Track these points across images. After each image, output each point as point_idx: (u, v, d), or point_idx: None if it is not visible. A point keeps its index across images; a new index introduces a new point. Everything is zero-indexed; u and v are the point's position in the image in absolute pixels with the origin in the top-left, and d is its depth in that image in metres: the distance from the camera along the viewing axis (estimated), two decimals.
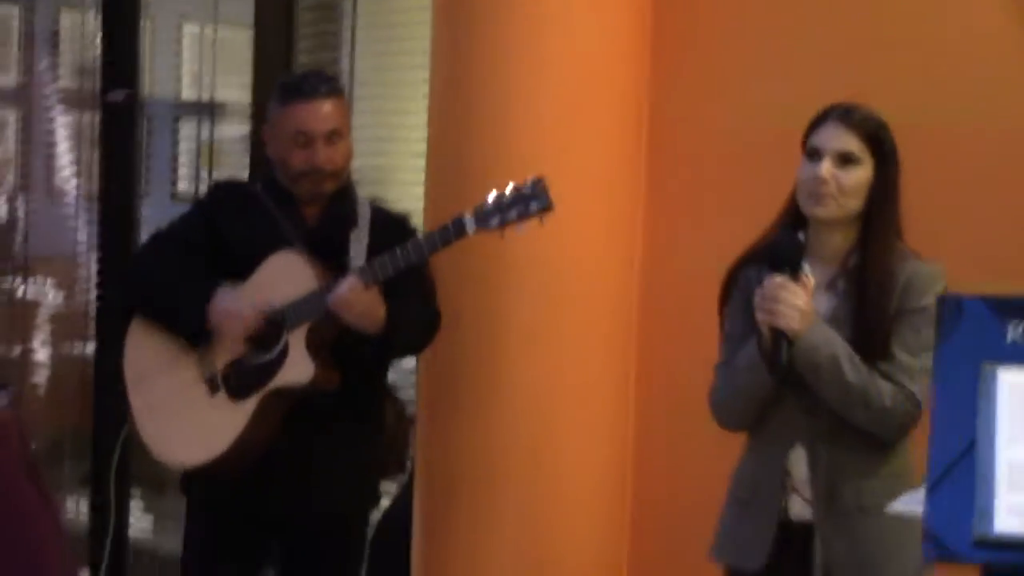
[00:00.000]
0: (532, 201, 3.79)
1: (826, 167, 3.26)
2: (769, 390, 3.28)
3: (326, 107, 4.04)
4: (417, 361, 4.64)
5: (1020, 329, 2.48)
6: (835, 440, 3.30)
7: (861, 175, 3.28)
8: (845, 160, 3.27)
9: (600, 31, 4.44)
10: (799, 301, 3.20)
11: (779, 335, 3.20)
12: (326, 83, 4.14)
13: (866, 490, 3.30)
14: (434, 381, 4.54)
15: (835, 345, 3.23)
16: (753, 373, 3.28)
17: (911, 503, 2.76)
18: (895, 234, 3.34)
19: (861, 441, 3.30)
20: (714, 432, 3.56)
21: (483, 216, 3.81)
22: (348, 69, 5.50)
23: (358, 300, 3.84)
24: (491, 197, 3.82)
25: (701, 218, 4.51)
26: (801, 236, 3.31)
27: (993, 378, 2.46)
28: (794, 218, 3.36)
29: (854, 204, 3.30)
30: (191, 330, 4.01)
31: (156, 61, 6.67)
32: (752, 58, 4.43)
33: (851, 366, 3.23)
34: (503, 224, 3.82)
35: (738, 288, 3.42)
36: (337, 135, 4.05)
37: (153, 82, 6.60)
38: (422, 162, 4.69)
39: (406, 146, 5.21)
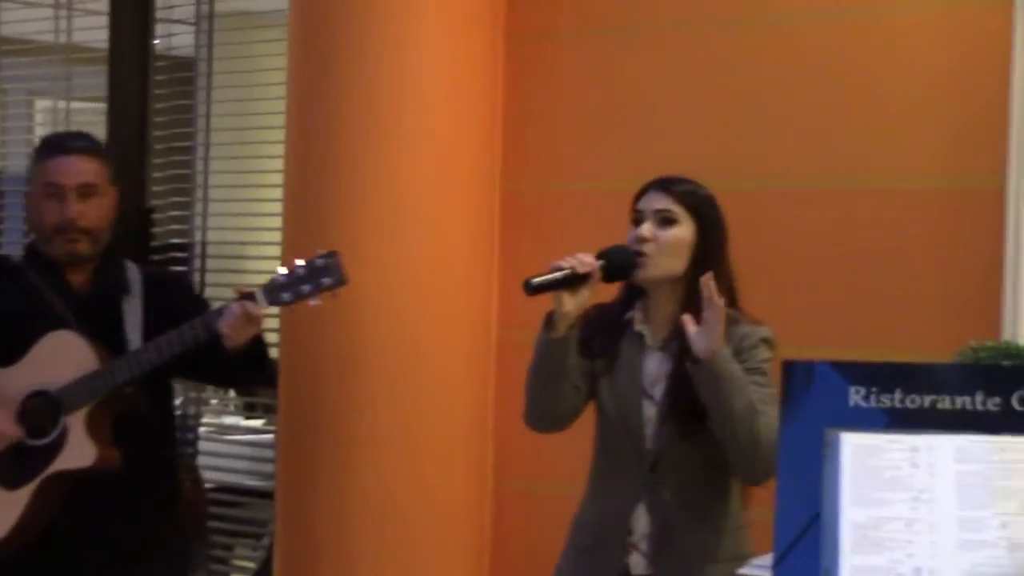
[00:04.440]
0: (324, 276, 3.67)
1: (647, 227, 3.41)
2: (557, 363, 3.38)
3: (81, 162, 3.92)
4: (277, 426, 4.63)
5: (862, 393, 2.53)
6: (677, 497, 3.38)
7: (680, 233, 3.42)
8: (664, 220, 3.42)
9: (454, 106, 4.50)
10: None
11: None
12: (83, 139, 4.04)
13: (710, 544, 3.36)
14: (293, 442, 4.54)
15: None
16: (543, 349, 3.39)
17: (759, 568, 2.81)
18: (723, 297, 3.31)
19: (702, 497, 3.39)
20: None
21: (274, 291, 3.70)
22: (204, 141, 5.47)
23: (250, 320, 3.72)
24: (282, 272, 3.71)
25: None
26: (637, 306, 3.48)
27: (836, 442, 2.51)
28: (629, 292, 3.52)
29: (675, 264, 3.41)
30: None
31: (9, 135, 6.61)
32: (597, 128, 4.57)
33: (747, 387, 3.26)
34: (295, 299, 3.70)
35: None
36: (91, 190, 3.92)
37: (6, 156, 6.53)
38: (279, 235, 4.69)
39: (264, 220, 5.18)
